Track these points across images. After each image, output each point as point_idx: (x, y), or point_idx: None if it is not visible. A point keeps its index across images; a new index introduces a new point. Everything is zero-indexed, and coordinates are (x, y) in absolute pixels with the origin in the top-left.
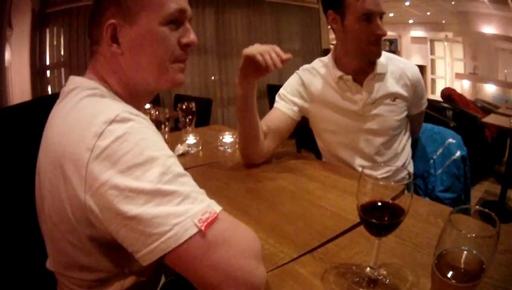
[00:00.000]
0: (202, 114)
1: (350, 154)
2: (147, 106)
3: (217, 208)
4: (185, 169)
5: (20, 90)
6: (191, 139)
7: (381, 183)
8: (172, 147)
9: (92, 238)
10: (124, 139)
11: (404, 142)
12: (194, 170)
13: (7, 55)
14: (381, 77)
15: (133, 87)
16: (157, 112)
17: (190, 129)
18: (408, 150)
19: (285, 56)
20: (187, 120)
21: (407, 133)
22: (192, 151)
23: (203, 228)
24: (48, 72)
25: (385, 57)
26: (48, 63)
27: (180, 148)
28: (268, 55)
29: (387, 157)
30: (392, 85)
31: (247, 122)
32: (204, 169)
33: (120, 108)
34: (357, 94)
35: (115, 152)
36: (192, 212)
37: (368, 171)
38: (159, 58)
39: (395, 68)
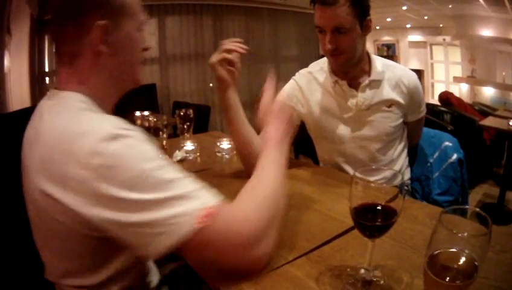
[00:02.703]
0: (201, 121)
1: (345, 160)
2: (146, 112)
3: (214, 201)
4: None
5: (19, 97)
6: (189, 146)
7: (373, 185)
8: (170, 153)
9: (82, 246)
10: (117, 155)
11: (400, 149)
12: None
13: (6, 62)
14: (377, 83)
15: (113, 86)
16: (155, 119)
17: (188, 136)
18: (404, 157)
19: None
20: (185, 127)
21: (404, 140)
22: (190, 158)
23: (202, 225)
24: (47, 78)
25: (382, 64)
26: (46, 69)
27: (178, 155)
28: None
29: (383, 163)
30: (387, 92)
31: (235, 133)
32: (202, 175)
33: (111, 124)
34: (352, 99)
35: (110, 168)
36: (190, 211)
37: (363, 176)
38: (134, 60)
39: (392, 75)
